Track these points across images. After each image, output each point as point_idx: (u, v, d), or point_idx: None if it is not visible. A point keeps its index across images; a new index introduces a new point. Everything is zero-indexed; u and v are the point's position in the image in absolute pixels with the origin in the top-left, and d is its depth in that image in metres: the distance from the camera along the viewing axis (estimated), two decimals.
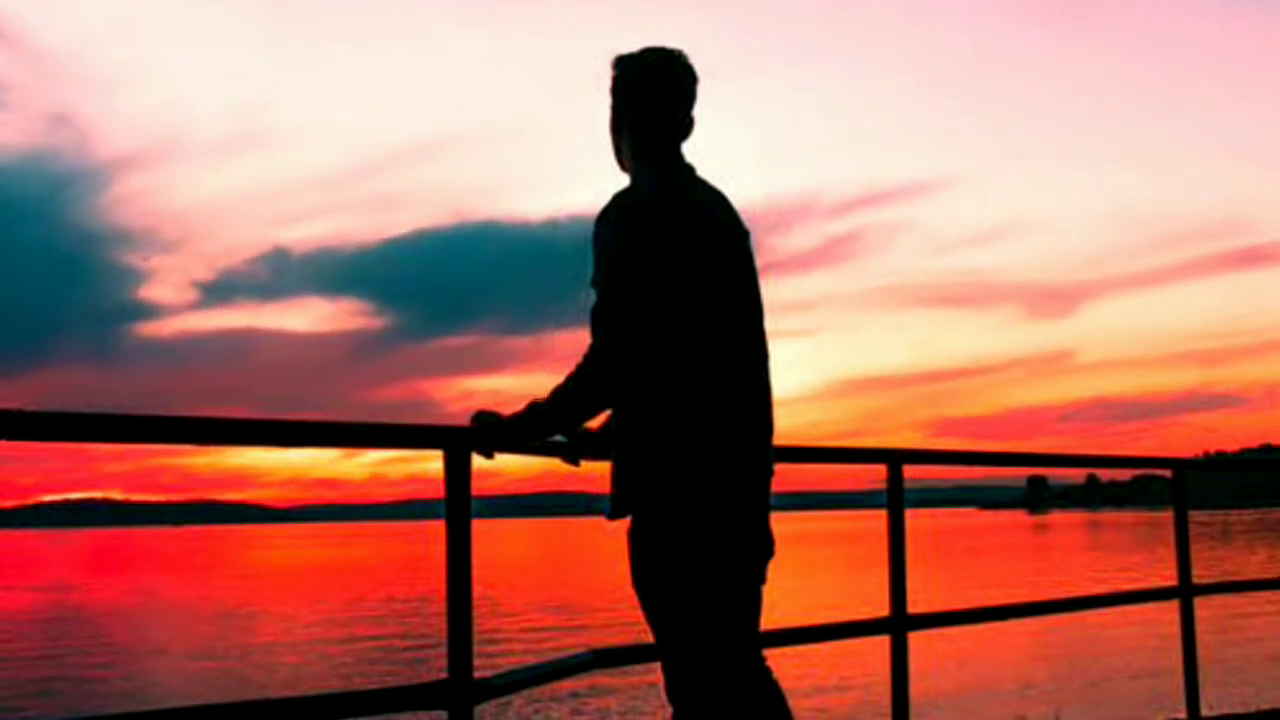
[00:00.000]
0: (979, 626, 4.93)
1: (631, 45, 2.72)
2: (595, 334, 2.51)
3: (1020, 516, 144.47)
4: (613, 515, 2.60)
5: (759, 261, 2.71)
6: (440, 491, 2.64)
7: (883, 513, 4.03)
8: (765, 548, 2.60)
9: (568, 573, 38.39)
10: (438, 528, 2.78)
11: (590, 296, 2.53)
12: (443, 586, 2.64)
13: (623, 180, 2.70)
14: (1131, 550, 43.60)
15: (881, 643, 3.96)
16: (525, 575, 36.74)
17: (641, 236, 2.50)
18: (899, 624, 3.94)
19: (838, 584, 27.73)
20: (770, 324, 2.69)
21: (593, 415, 2.61)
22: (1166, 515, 6.78)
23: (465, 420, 2.65)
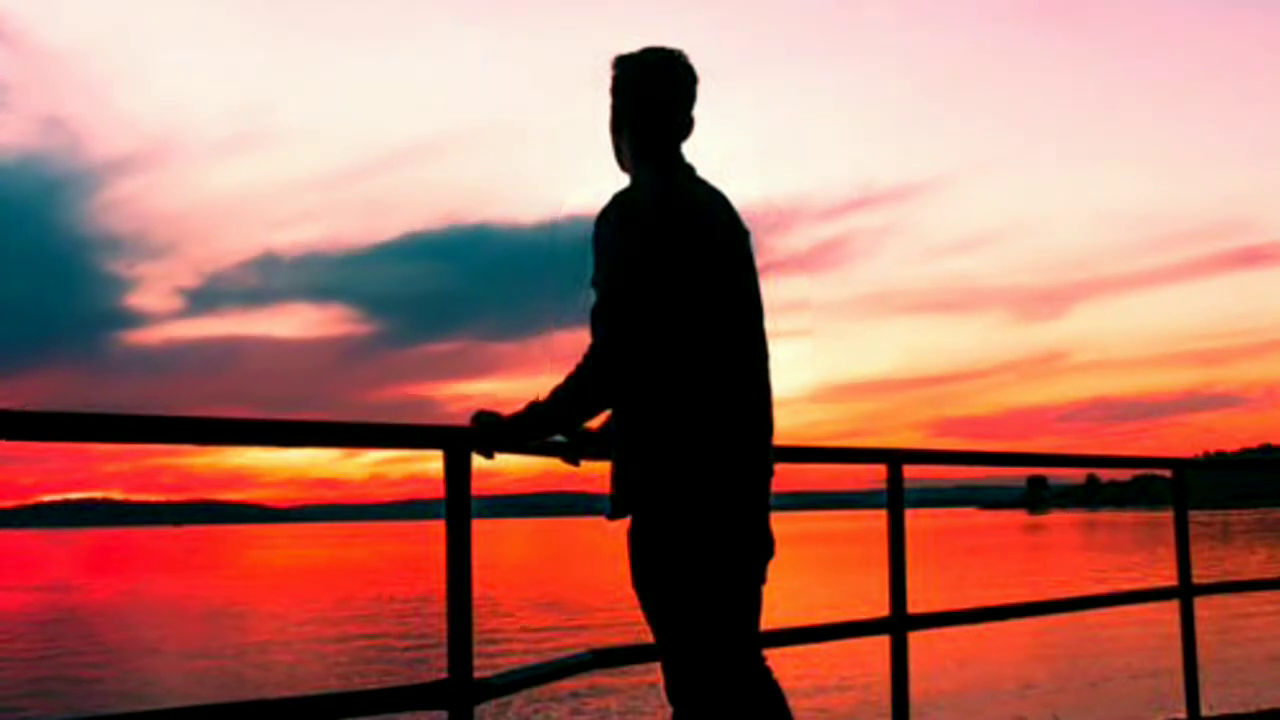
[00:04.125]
0: (979, 626, 4.92)
1: (631, 45, 2.72)
2: (595, 334, 2.50)
3: (1020, 516, 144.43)
4: (613, 515, 2.60)
5: (759, 261, 2.71)
6: (440, 491, 2.63)
7: (883, 513, 4.02)
8: (765, 548, 2.60)
9: (568, 573, 38.38)
10: (438, 528, 2.77)
11: (590, 296, 2.53)
12: (443, 586, 2.64)
13: (623, 180, 2.70)
14: (1131, 550, 43.59)
15: (881, 643, 3.96)
16: (525, 575, 36.73)
17: (642, 237, 2.50)
18: (899, 624, 3.94)
19: (838, 584, 27.72)
20: (770, 324, 2.69)
21: (593, 415, 2.61)
22: (1166, 515, 6.79)
23: (465, 420, 2.65)
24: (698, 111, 2.70)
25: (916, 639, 3.99)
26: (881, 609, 3.97)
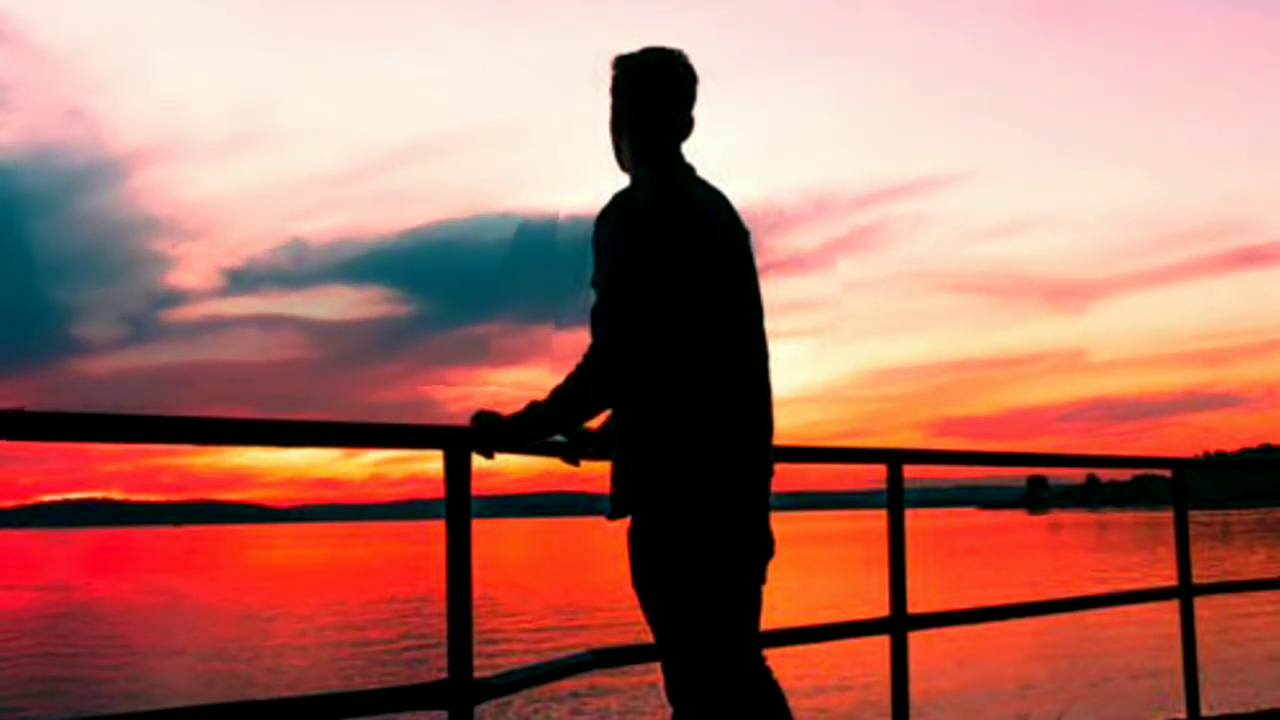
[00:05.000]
0: (979, 626, 4.92)
1: (631, 45, 2.72)
2: (595, 334, 2.51)
3: (1020, 516, 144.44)
4: (613, 515, 2.60)
5: (759, 261, 2.71)
6: (440, 491, 2.63)
7: (883, 513, 4.02)
8: (765, 548, 2.60)
9: (568, 573, 38.39)
10: (438, 528, 2.77)
11: (590, 297, 2.54)
12: (443, 586, 2.64)
13: (623, 180, 2.70)
14: (1131, 550, 43.59)
15: (881, 643, 3.96)
16: (525, 575, 36.74)
17: (642, 237, 2.50)
18: (899, 624, 3.94)
19: (838, 584, 27.73)
20: (770, 324, 2.69)
21: (593, 415, 2.61)
22: (1166, 515, 6.78)
23: (465, 420, 2.65)
24: (698, 111, 2.70)
25: (916, 639, 3.99)
26: (881, 609, 3.97)
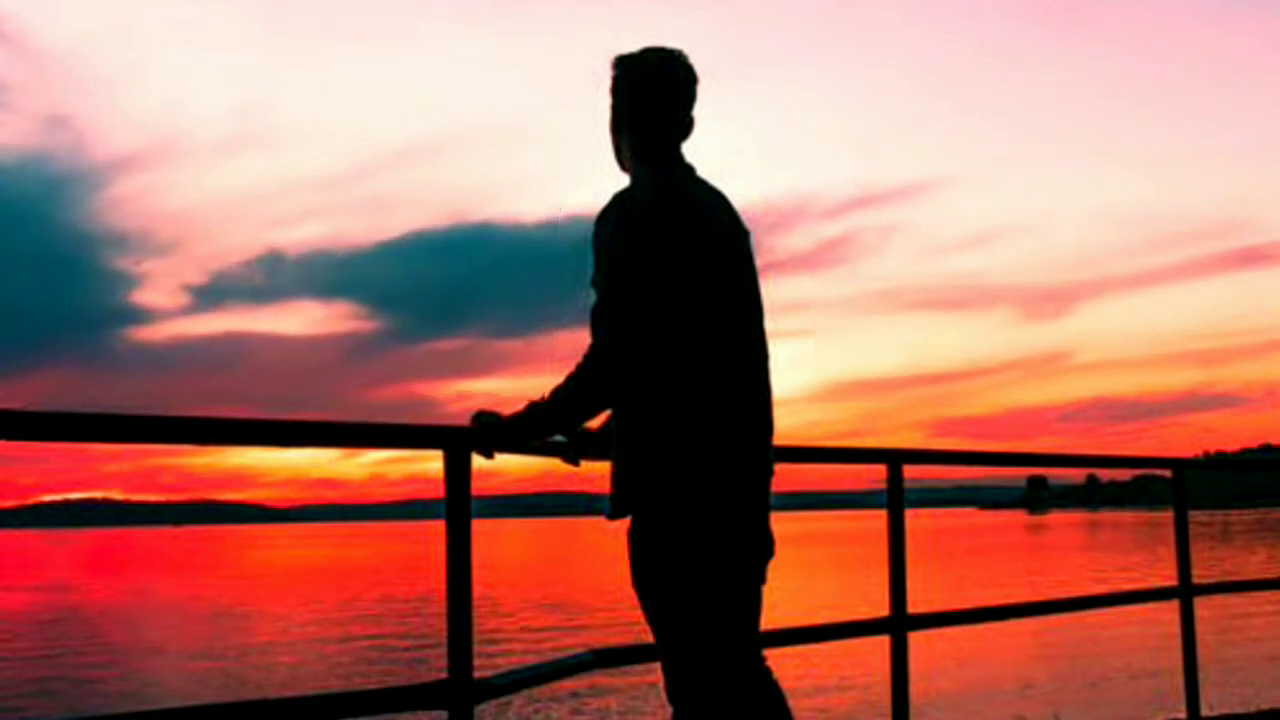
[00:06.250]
0: (979, 626, 4.93)
1: (631, 45, 2.72)
2: (595, 334, 2.50)
3: (1020, 516, 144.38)
4: (613, 515, 2.60)
5: (759, 261, 2.71)
6: (440, 491, 2.64)
7: (883, 513, 4.02)
8: (765, 548, 2.60)
9: (568, 573, 38.37)
10: (438, 528, 2.77)
11: (590, 296, 2.54)
12: (443, 586, 2.64)
13: (623, 180, 2.70)
14: (1131, 550, 43.57)
15: (881, 643, 3.96)
16: (525, 575, 36.72)
17: (642, 236, 2.50)
18: (899, 624, 3.94)
19: (838, 584, 27.72)
20: (770, 324, 2.69)
21: (593, 415, 2.61)
22: (1166, 515, 6.79)
23: (465, 420, 2.65)
24: (698, 111, 2.70)
25: (916, 639, 3.99)
26: (881, 609, 3.97)
